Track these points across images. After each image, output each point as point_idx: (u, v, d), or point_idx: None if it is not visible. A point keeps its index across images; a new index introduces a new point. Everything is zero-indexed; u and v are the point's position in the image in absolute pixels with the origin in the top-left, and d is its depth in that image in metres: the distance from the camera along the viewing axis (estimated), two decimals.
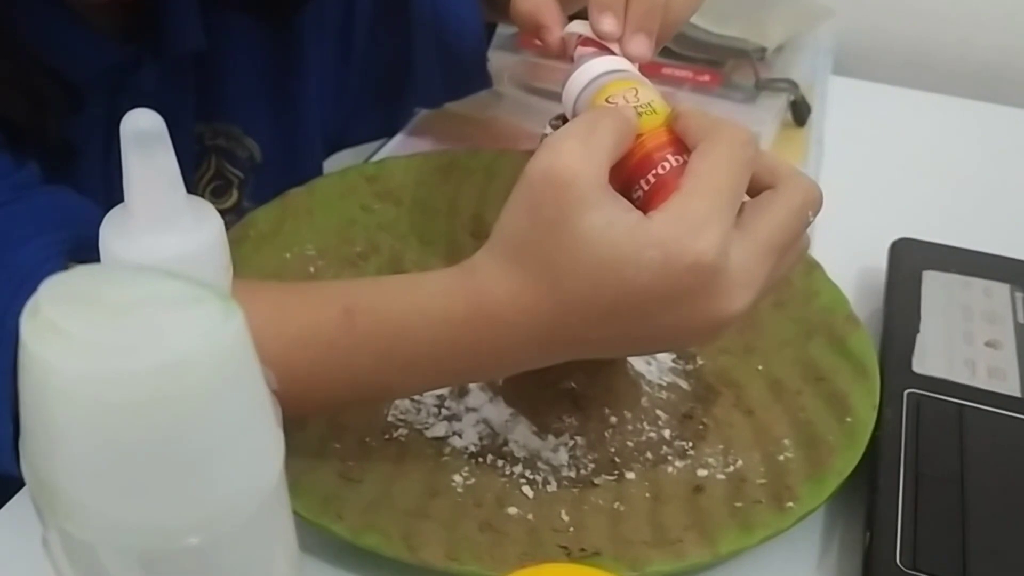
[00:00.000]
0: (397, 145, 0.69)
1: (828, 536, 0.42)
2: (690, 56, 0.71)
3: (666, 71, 0.72)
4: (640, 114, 0.36)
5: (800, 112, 0.69)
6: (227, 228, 0.60)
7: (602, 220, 0.33)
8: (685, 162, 0.36)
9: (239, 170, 0.57)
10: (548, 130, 0.40)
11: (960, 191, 0.66)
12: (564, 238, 0.33)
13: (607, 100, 0.37)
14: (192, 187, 0.55)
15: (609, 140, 0.35)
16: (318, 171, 0.62)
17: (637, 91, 0.37)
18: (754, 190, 0.36)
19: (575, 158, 0.34)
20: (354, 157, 0.66)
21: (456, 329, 0.35)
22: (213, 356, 0.19)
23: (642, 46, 0.40)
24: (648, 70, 0.39)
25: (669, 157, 0.36)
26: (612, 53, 0.40)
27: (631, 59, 0.40)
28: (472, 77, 0.64)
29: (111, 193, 0.27)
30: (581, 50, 0.40)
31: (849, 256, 0.56)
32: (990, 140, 0.72)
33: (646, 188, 0.35)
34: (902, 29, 0.85)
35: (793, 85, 0.69)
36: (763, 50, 0.68)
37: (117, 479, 0.19)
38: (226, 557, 0.22)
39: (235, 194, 0.57)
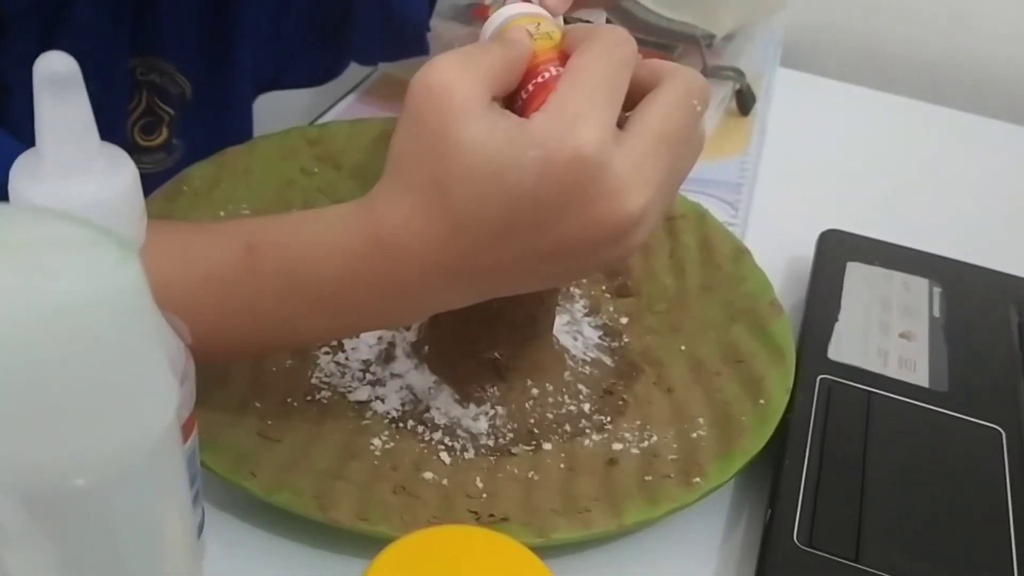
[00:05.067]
0: (343, 110, 0.68)
1: (736, 513, 0.43)
2: (639, 39, 0.71)
3: None
4: (535, 39, 0.37)
5: (745, 101, 0.70)
6: (157, 165, 0.58)
7: (481, 128, 0.33)
8: None
9: (170, 107, 0.56)
10: None
11: (894, 187, 0.67)
12: (447, 151, 0.33)
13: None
14: (124, 122, 0.54)
15: (491, 56, 0.35)
16: (247, 113, 0.61)
17: (539, 23, 0.38)
18: (639, 94, 0.36)
19: (453, 70, 0.33)
20: (299, 119, 0.66)
21: (357, 261, 0.35)
22: (103, 299, 0.19)
23: None
24: None
25: (551, 68, 0.36)
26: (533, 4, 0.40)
27: (549, 9, 0.40)
28: (410, 41, 0.64)
29: None
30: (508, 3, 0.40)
31: (780, 245, 0.57)
32: (926, 140, 0.74)
33: (524, 97, 0.36)
34: (851, 26, 0.87)
35: (740, 74, 0.70)
36: (712, 37, 0.69)
37: None
38: (115, 502, 0.22)
39: (164, 131, 0.56)
